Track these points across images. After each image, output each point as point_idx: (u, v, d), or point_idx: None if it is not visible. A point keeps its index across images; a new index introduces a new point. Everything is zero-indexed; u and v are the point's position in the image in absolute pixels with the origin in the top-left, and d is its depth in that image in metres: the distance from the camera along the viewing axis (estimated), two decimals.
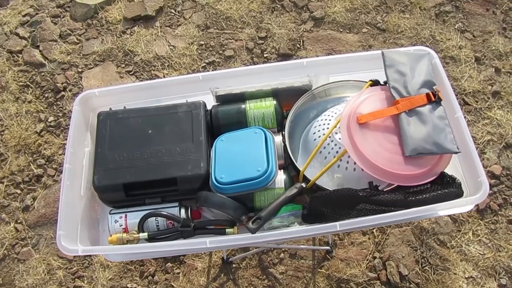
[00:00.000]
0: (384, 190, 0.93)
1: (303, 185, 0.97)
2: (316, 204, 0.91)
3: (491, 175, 1.39)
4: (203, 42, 1.69)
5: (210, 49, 1.68)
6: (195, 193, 0.96)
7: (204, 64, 1.64)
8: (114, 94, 1.07)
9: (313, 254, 1.26)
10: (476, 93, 1.55)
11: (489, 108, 1.52)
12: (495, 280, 1.23)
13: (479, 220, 1.32)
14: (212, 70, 1.63)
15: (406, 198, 0.91)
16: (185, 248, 0.89)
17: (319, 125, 1.05)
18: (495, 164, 1.41)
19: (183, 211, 0.96)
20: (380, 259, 1.25)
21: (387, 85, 1.00)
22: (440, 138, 0.92)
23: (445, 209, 0.88)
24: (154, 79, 1.60)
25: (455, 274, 1.24)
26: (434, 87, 0.99)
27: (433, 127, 0.93)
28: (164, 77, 1.61)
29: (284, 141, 1.04)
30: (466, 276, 1.23)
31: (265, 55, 1.66)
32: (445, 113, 0.95)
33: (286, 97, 1.12)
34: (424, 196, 0.90)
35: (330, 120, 1.04)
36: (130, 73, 1.63)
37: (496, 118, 1.50)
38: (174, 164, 0.98)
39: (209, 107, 1.09)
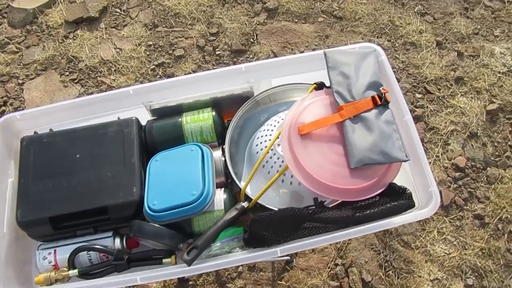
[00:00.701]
0: (330, 206, 0.86)
1: (245, 204, 0.90)
2: (256, 227, 0.84)
3: (455, 167, 1.33)
4: (151, 43, 1.59)
5: (159, 49, 1.58)
6: (130, 221, 0.89)
7: (153, 66, 1.54)
8: (38, 116, 0.98)
9: (272, 266, 1.19)
10: (439, 80, 1.48)
11: (452, 96, 1.46)
12: (462, 280, 1.19)
13: (444, 217, 1.26)
14: (162, 72, 1.53)
15: (353, 214, 0.84)
16: (115, 286, 0.81)
17: (261, 136, 0.97)
18: (460, 155, 1.35)
19: (117, 241, 0.89)
20: (342, 266, 1.19)
21: (331, 89, 0.92)
22: (388, 145, 0.85)
23: (394, 224, 0.82)
24: (100, 86, 1.50)
25: (419, 277, 1.19)
26: (381, 88, 0.91)
27: (380, 134, 0.86)
28: (111, 83, 1.51)
29: (224, 156, 0.96)
30: (431, 278, 1.19)
31: (217, 53, 1.56)
32: (392, 117, 0.88)
33: (227, 106, 1.04)
34: (372, 211, 0.84)
35: (272, 130, 0.96)
36: (75, 81, 1.52)
37: (460, 106, 1.43)
38: (105, 191, 0.90)
39: (145, 121, 1.00)
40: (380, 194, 0.85)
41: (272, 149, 0.92)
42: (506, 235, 1.23)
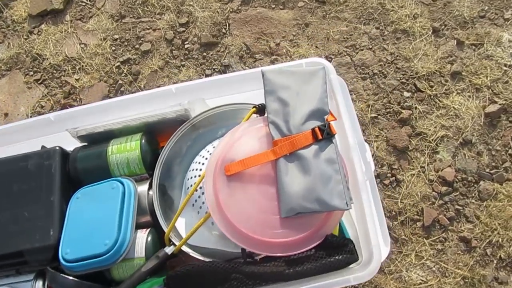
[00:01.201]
0: (259, 258, 0.76)
1: (168, 251, 0.80)
2: (173, 285, 0.75)
3: (442, 181, 1.18)
4: (117, 36, 1.47)
5: (126, 43, 1.46)
6: (51, 263, 0.82)
7: (118, 63, 1.43)
8: None
9: None
10: (432, 76, 1.30)
11: (446, 94, 1.27)
12: None
13: (424, 239, 1.13)
14: (128, 70, 1.42)
15: (284, 271, 0.73)
16: None
17: (194, 168, 0.86)
18: (449, 166, 1.19)
19: (39, 284, 0.83)
20: None
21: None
22: (325, 191, 0.72)
23: (330, 284, 0.70)
24: (64, 86, 1.41)
25: None
26: (326, 116, 0.78)
27: (317, 176, 0.73)
28: (74, 83, 1.42)
29: (149, 192, 0.86)
30: None
31: (186, 46, 1.43)
32: (336, 153, 0.74)
33: (162, 131, 0.93)
34: (305, 267, 0.72)
35: (203, 163, 0.85)
36: (39, 82, 1.44)
37: (454, 107, 1.25)
38: (21, 234, 0.83)
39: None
40: (316, 247, 0.73)
41: (200, 187, 0.81)
42: (495, 262, 1.08)
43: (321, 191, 0.71)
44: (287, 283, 0.72)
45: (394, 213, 1.16)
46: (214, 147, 0.85)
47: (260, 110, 0.84)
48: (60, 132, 0.89)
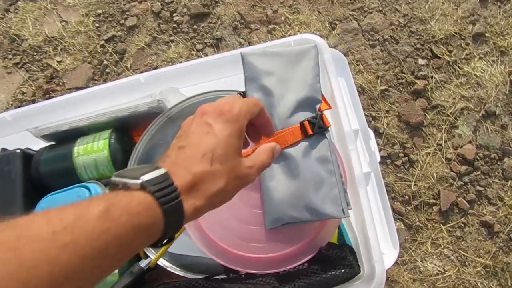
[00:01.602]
0: (243, 275, 0.66)
1: (144, 265, 0.71)
2: None
3: (461, 159, 1.05)
4: (100, 11, 1.34)
5: (110, 19, 1.33)
6: None
7: (102, 41, 1.31)
8: None
9: None
10: (450, 39, 1.14)
11: (467, 60, 1.12)
12: None
13: (441, 225, 1.02)
14: (113, 49, 1.30)
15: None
16: None
17: None
18: (469, 142, 1.06)
19: None
20: None
21: None
22: (317, 196, 0.61)
23: None
24: (46, 70, 1.31)
25: None
26: (317, 106, 0.65)
27: (308, 179, 0.61)
28: (57, 66, 1.31)
29: None
30: None
31: (174, 19, 1.29)
32: (329, 151, 0.63)
33: (135, 125, 0.82)
34: (296, 284, 0.63)
35: None
36: (18, 66, 1.34)
37: (475, 75, 1.10)
38: None
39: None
40: (309, 261, 0.63)
41: None
42: None
43: (313, 197, 0.60)
44: None
45: (407, 197, 1.04)
46: None
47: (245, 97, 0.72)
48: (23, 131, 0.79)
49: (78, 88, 1.31)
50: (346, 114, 0.66)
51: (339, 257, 0.62)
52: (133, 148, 0.78)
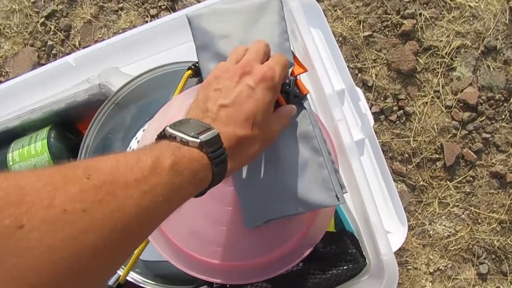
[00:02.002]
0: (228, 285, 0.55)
1: (112, 282, 0.60)
2: None
3: (463, 105, 0.93)
4: None
5: None
6: None
7: (42, 19, 1.14)
8: None
9: None
10: None
11: None
12: (473, 266, 0.88)
13: (448, 182, 0.91)
14: (56, 27, 1.13)
15: None
16: None
17: None
18: (470, 85, 0.93)
19: None
20: None
21: None
22: (304, 182, 0.49)
23: None
24: None
25: (415, 269, 0.89)
26: (289, 70, 0.52)
27: (289, 162, 0.49)
28: None
29: None
30: (431, 270, 0.88)
31: None
32: (311, 124, 0.50)
33: (80, 118, 0.69)
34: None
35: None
36: None
37: (470, 5, 0.96)
38: None
39: None
40: (304, 260, 0.52)
41: None
42: None
43: (297, 183, 0.48)
44: None
45: (406, 155, 0.93)
46: (144, 130, 0.62)
47: (196, 72, 0.58)
48: None
49: None
50: (326, 74, 0.53)
51: (340, 251, 0.51)
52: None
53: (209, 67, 0.52)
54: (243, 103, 0.39)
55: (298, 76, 0.50)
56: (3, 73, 1.14)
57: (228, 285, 0.54)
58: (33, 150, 0.63)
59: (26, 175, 0.23)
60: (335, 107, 0.51)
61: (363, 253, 0.53)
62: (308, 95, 0.51)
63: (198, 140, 0.34)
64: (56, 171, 0.25)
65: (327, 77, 0.52)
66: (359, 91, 0.64)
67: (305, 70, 0.51)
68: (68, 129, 0.67)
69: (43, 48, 1.14)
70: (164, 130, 0.35)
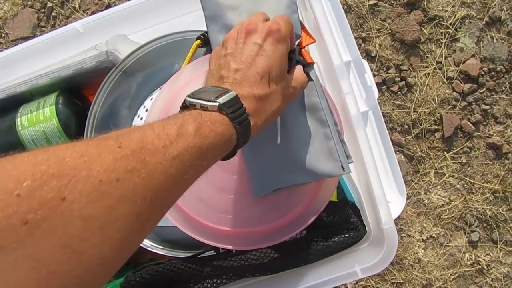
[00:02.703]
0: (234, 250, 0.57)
1: None
2: None
3: (464, 76, 0.94)
4: None
5: None
6: None
7: None
8: None
9: None
10: None
11: None
12: (464, 234, 0.91)
13: (445, 152, 0.93)
14: None
15: (267, 262, 0.55)
16: None
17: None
18: (472, 56, 0.94)
19: None
20: None
21: None
22: (311, 151, 0.51)
23: (330, 281, 0.53)
24: None
25: (409, 236, 0.92)
26: (298, 41, 0.52)
27: (296, 132, 0.51)
28: None
29: None
30: (424, 238, 0.92)
31: None
32: (317, 96, 0.51)
33: (86, 84, 0.69)
34: (296, 255, 0.54)
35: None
36: None
37: None
38: None
39: None
40: (308, 228, 0.54)
41: None
42: None
43: (305, 153, 0.50)
44: (273, 276, 0.55)
45: (406, 126, 0.94)
46: (152, 99, 0.63)
47: (205, 42, 0.58)
48: None
49: (24, 38, 1.14)
50: (335, 46, 0.53)
51: (342, 220, 0.54)
52: (87, 111, 0.66)
53: (219, 39, 0.52)
54: (255, 62, 0.39)
55: (306, 47, 0.51)
56: (2, 35, 1.13)
57: (234, 251, 0.57)
58: (41, 116, 0.63)
59: (63, 147, 0.24)
60: (343, 79, 0.52)
61: (363, 222, 0.55)
62: (315, 66, 0.52)
63: (217, 103, 0.34)
64: (90, 142, 0.26)
65: (336, 49, 0.52)
66: (365, 63, 0.65)
67: (314, 41, 0.52)
68: (75, 95, 0.67)
69: (43, 10, 1.12)
70: (184, 100, 0.36)
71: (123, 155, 0.26)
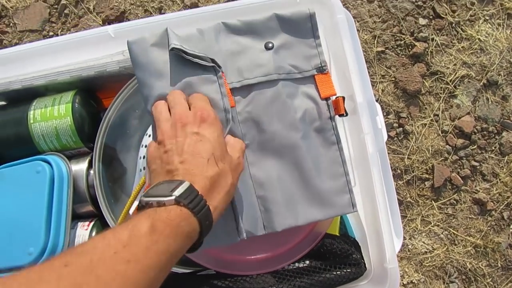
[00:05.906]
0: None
1: None
2: None
3: (458, 132, 0.98)
4: None
5: None
6: None
7: None
8: None
9: None
10: None
11: (471, 22, 1.02)
12: (443, 283, 0.94)
13: (433, 201, 0.96)
14: None
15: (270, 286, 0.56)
16: None
17: (145, 145, 0.64)
18: (467, 114, 0.99)
19: None
20: None
21: None
22: (329, 189, 0.52)
23: None
24: None
25: None
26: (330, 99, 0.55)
27: (310, 167, 0.52)
28: (7, 2, 1.12)
29: (90, 171, 0.65)
30: (405, 282, 0.94)
31: None
32: (334, 135, 0.53)
33: (103, 87, 0.69)
34: (297, 283, 0.55)
35: None
36: None
37: (479, 39, 1.01)
38: None
39: None
40: (310, 257, 0.55)
41: None
42: None
43: (323, 191, 0.51)
44: None
45: (399, 171, 0.98)
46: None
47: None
48: None
49: (32, 31, 1.13)
50: (359, 84, 0.56)
51: (344, 254, 0.55)
52: (101, 114, 0.66)
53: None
54: (197, 149, 0.40)
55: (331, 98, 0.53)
56: (10, 24, 1.12)
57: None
58: (56, 112, 0.63)
59: (23, 275, 0.27)
60: (364, 118, 0.55)
61: (365, 260, 0.57)
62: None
63: (173, 197, 0.35)
64: (33, 268, 0.28)
65: (360, 88, 0.55)
66: (378, 107, 0.67)
67: (334, 93, 0.54)
68: (91, 96, 0.67)
69: (56, 6, 1.12)
70: (140, 201, 0.37)
71: (68, 272, 0.27)
